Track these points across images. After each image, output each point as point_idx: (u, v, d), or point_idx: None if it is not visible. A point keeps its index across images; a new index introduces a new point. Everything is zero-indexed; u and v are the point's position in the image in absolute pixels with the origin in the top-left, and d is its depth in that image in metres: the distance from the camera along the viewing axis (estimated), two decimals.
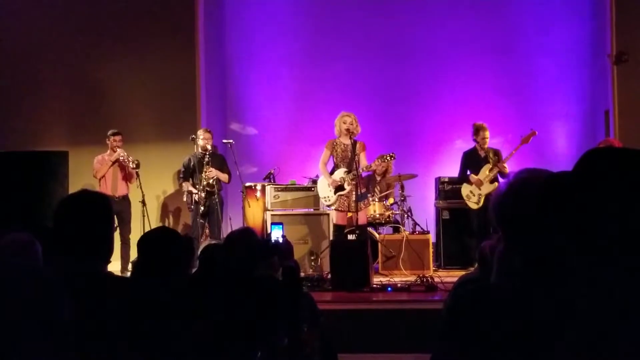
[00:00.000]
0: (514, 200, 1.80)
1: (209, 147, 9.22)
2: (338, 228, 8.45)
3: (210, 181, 9.17)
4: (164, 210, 10.52)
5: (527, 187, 1.79)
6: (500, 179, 8.97)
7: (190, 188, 9.27)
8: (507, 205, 1.81)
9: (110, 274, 2.66)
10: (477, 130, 9.08)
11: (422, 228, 9.68)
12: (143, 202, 9.25)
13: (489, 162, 8.97)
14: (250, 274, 3.83)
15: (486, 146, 9.05)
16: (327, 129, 8.92)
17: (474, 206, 9.02)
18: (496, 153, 9.07)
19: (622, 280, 1.53)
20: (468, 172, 9.15)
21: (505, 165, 8.90)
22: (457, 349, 1.80)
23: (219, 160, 9.51)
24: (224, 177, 9.41)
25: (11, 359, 1.66)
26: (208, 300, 3.48)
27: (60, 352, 1.77)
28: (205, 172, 9.13)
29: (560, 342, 1.57)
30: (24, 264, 1.85)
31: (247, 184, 9.82)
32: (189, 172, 9.39)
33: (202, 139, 9.27)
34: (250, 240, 3.93)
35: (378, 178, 9.95)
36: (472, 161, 9.13)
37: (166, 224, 10.42)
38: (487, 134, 9.04)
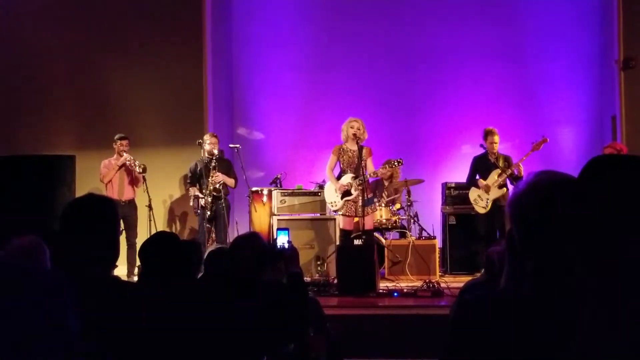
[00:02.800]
0: (529, 200, 1.79)
1: (215, 151, 9.23)
2: (345, 233, 8.45)
3: (217, 186, 9.17)
4: (171, 214, 10.53)
5: (543, 189, 1.78)
6: (510, 185, 8.95)
7: (197, 193, 9.27)
8: (524, 204, 1.80)
9: (117, 278, 2.66)
10: (486, 135, 9.08)
11: (428, 233, 9.67)
12: (150, 207, 9.27)
13: (498, 168, 8.95)
14: (256, 278, 3.83)
15: (495, 151, 9.03)
16: (333, 134, 8.92)
17: (481, 210, 9.00)
18: (506, 159, 9.05)
19: (629, 288, 1.52)
20: (477, 177, 9.13)
21: (521, 164, 8.87)
22: (463, 355, 1.80)
23: (225, 165, 9.52)
24: (230, 181, 9.41)
25: None
26: (213, 305, 3.48)
27: (66, 355, 1.77)
28: (212, 176, 9.13)
29: (567, 350, 1.56)
30: (29, 267, 1.85)
31: (254, 189, 9.82)
32: (196, 177, 9.39)
33: (209, 144, 9.27)
34: (256, 245, 3.93)
35: (386, 183, 9.94)
36: (481, 166, 9.12)
37: (172, 229, 10.43)
38: (496, 138, 9.03)
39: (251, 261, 3.82)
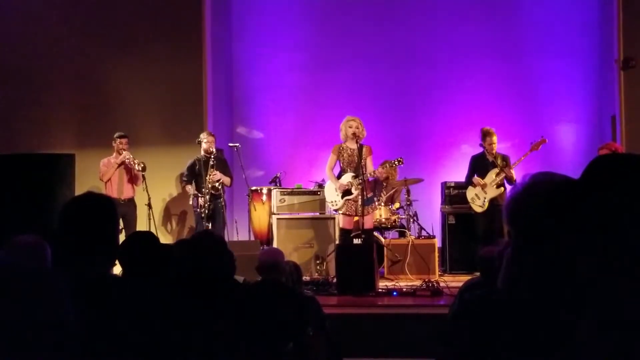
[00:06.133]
0: (527, 201, 1.78)
1: (212, 149, 9.23)
2: (344, 232, 8.45)
3: (216, 184, 9.17)
4: (170, 213, 10.52)
5: (541, 190, 1.78)
6: (507, 185, 8.94)
7: (196, 191, 9.27)
8: (520, 206, 1.80)
9: (115, 276, 2.66)
10: (484, 135, 9.04)
11: (427, 233, 9.67)
12: (149, 205, 9.26)
13: (496, 167, 8.94)
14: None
15: (494, 151, 9.01)
16: (333, 133, 8.92)
17: (478, 209, 8.99)
18: (504, 158, 9.03)
19: (631, 287, 1.52)
20: (475, 176, 9.11)
21: (513, 171, 8.86)
22: (462, 354, 1.80)
23: (222, 163, 9.51)
24: (227, 180, 9.41)
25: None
26: (212, 303, 3.47)
27: (65, 354, 1.77)
28: (210, 174, 9.13)
29: (568, 349, 1.56)
30: (28, 265, 1.85)
31: (253, 188, 9.82)
32: (193, 175, 9.39)
33: (206, 142, 9.27)
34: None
35: (384, 183, 9.94)
36: (479, 165, 9.09)
37: (172, 227, 10.43)
38: (495, 139, 8.99)
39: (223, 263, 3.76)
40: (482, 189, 8.94)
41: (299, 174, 10.90)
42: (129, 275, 3.32)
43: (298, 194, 9.60)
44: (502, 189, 8.93)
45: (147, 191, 9.23)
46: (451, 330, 1.91)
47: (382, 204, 9.52)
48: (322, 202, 9.27)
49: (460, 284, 5.32)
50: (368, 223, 8.32)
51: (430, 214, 10.37)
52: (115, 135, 9.40)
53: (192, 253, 3.61)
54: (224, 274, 3.64)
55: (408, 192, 9.74)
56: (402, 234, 9.83)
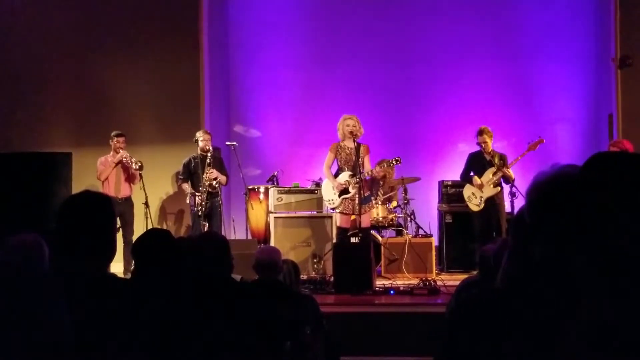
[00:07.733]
0: (528, 200, 1.78)
1: (209, 147, 9.23)
2: (341, 231, 8.45)
3: (213, 182, 9.17)
4: (167, 211, 10.51)
5: (567, 180, 1.76)
6: (504, 184, 8.94)
7: (192, 190, 9.27)
8: (543, 191, 1.77)
9: (113, 275, 2.66)
10: (477, 134, 9.03)
11: (425, 231, 9.67)
12: (146, 204, 9.25)
13: (493, 166, 8.92)
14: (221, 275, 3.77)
15: (489, 150, 8.99)
16: (330, 132, 8.92)
17: (474, 208, 8.99)
18: (502, 157, 9.00)
19: (628, 286, 1.52)
20: (471, 174, 9.10)
21: (510, 171, 8.85)
22: (460, 353, 1.80)
23: (218, 162, 9.52)
24: (223, 179, 9.41)
25: (10, 358, 1.66)
26: (210, 302, 3.48)
27: (60, 352, 1.77)
28: (207, 173, 9.13)
29: (563, 347, 1.56)
30: (24, 264, 1.85)
31: (251, 187, 9.82)
32: (189, 173, 9.39)
33: (202, 140, 9.28)
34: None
35: (381, 182, 9.95)
36: (476, 163, 9.07)
37: (168, 226, 10.42)
38: (487, 138, 8.91)
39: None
40: (479, 187, 8.94)
41: (297, 172, 10.89)
42: (142, 272, 3.32)
43: (295, 192, 9.60)
44: (499, 188, 8.92)
45: (144, 190, 9.22)
46: (449, 329, 1.92)
47: (380, 203, 9.53)
48: (320, 201, 9.26)
49: (458, 283, 5.33)
50: (365, 222, 8.33)
51: (428, 213, 10.38)
52: (112, 134, 9.39)
53: (190, 252, 3.62)
54: (222, 273, 3.65)
55: (405, 190, 9.74)
56: (399, 233, 9.83)
